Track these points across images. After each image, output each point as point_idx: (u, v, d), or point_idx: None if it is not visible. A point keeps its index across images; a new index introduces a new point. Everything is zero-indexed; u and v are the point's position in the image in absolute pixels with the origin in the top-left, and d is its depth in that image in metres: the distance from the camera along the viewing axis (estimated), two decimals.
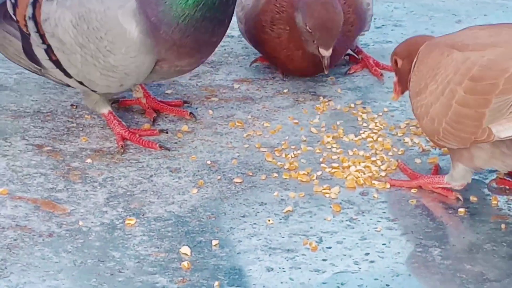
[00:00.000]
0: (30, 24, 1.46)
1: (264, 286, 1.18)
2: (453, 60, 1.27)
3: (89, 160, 1.41)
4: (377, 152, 1.43)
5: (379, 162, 1.40)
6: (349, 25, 1.56)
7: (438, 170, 1.40)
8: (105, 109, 1.50)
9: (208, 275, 1.20)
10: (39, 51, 1.46)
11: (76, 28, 1.43)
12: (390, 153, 1.43)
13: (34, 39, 1.46)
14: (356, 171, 1.38)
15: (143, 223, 1.29)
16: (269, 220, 1.29)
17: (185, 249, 1.24)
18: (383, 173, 1.38)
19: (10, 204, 1.32)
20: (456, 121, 1.26)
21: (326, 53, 1.49)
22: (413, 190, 1.35)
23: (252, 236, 1.27)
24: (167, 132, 1.48)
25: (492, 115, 1.23)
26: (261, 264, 1.22)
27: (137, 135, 1.46)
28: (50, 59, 1.45)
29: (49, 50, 1.46)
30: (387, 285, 1.18)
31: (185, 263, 1.21)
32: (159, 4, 1.35)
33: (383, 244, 1.25)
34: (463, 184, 1.32)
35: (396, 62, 1.39)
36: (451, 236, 1.27)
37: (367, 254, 1.23)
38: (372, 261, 1.22)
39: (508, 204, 1.34)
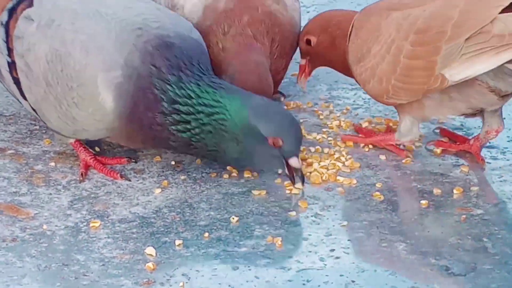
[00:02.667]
0: (1, 31, 1.39)
1: (229, 285, 1.18)
2: (393, 19, 1.34)
3: (52, 163, 1.40)
4: (341, 149, 1.44)
5: (343, 159, 1.41)
6: (281, 70, 1.48)
7: (390, 130, 1.45)
8: (71, 138, 1.41)
9: (174, 275, 1.20)
10: (2, 61, 1.39)
11: (49, 64, 1.34)
12: (354, 150, 1.44)
13: (1, 46, 1.39)
14: (321, 167, 1.39)
15: (107, 225, 1.28)
16: (233, 219, 1.29)
17: (150, 250, 1.23)
18: (347, 170, 1.39)
19: None
20: (406, 74, 1.32)
21: None
22: (377, 185, 1.36)
23: (217, 235, 1.28)
24: (135, 162, 1.41)
25: (443, 61, 1.29)
26: (226, 262, 1.23)
27: (101, 164, 1.39)
28: (11, 73, 1.38)
29: (12, 66, 1.38)
30: (353, 281, 1.18)
31: (150, 264, 1.21)
32: (160, 107, 1.29)
33: (348, 240, 1.26)
34: (412, 140, 1.39)
35: (308, 41, 1.44)
36: (415, 230, 1.28)
37: (333, 250, 1.24)
38: (337, 257, 1.23)
39: (472, 196, 1.35)
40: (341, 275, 1.19)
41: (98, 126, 1.32)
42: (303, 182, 1.31)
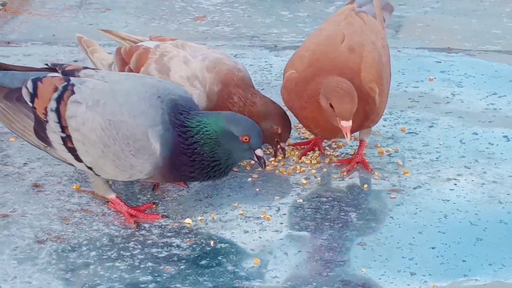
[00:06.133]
0: (52, 115, 1.69)
1: (242, 242, 1.75)
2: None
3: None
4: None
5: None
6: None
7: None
8: (113, 194, 1.77)
9: (206, 237, 1.77)
10: (54, 136, 1.71)
11: (104, 131, 1.67)
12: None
13: (52, 127, 1.70)
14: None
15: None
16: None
17: (188, 220, 1.81)
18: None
19: (77, 195, 1.91)
20: None
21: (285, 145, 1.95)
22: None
23: (234, 209, 1.84)
24: (156, 204, 1.82)
25: None
26: (240, 228, 1.80)
27: (141, 212, 1.77)
28: (65, 145, 1.70)
29: (67, 139, 1.70)
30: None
31: (189, 230, 1.77)
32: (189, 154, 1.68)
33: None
34: None
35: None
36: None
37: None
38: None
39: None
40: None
41: (151, 168, 1.69)
42: (264, 166, 1.73)
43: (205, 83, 1.93)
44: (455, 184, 1.98)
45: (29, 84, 1.74)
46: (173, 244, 1.75)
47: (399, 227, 1.82)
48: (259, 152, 1.73)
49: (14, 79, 1.77)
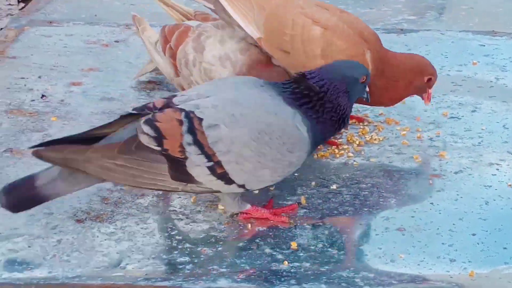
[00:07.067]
0: (191, 149, 1.61)
1: (279, 226, 1.76)
2: None
3: None
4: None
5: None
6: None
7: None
8: (248, 204, 1.73)
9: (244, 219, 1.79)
10: (198, 170, 1.63)
11: (256, 141, 1.62)
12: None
13: (194, 161, 1.61)
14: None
15: None
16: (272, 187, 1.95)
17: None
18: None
19: None
20: None
21: None
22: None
23: (271, 193, 1.88)
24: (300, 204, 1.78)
25: None
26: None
27: (276, 215, 1.74)
28: (213, 173, 1.64)
29: (215, 166, 1.63)
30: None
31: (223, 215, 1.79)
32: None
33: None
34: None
35: (430, 79, 1.98)
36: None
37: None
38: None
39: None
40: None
41: (305, 155, 1.70)
42: (369, 99, 1.80)
43: (236, 64, 1.93)
44: (497, 170, 1.97)
45: (147, 129, 1.63)
46: (211, 226, 1.77)
47: (439, 213, 1.82)
48: (367, 88, 1.79)
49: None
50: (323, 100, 1.70)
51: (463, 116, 2.16)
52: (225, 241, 1.73)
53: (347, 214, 1.82)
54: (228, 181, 1.65)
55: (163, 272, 1.65)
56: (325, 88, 1.70)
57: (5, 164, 1.97)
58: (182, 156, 1.62)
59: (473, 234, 1.77)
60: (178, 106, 1.66)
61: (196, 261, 1.68)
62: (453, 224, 1.80)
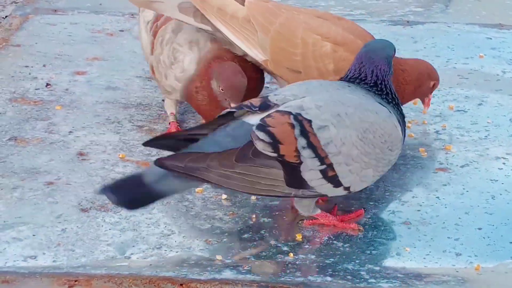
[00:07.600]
0: (306, 153, 1.60)
1: (284, 217, 1.77)
2: None
3: None
4: None
5: None
6: None
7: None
8: (318, 209, 1.70)
9: (249, 211, 1.79)
10: (311, 174, 1.61)
11: (363, 140, 1.62)
12: None
13: (309, 165, 1.60)
14: None
15: None
16: None
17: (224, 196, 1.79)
18: None
19: (122, 164, 1.95)
20: None
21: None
22: None
23: None
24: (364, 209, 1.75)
25: None
26: (282, 203, 1.81)
27: (342, 222, 1.71)
28: (325, 176, 1.62)
29: (327, 169, 1.61)
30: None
31: (232, 203, 1.80)
32: None
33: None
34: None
35: (434, 84, 1.99)
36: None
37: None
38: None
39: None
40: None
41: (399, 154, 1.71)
42: None
43: (202, 51, 1.93)
44: (504, 163, 1.96)
45: (262, 135, 1.61)
46: (216, 217, 1.77)
47: (445, 207, 1.82)
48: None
49: (210, 143, 1.64)
50: (390, 89, 1.72)
51: (469, 109, 2.16)
52: (230, 232, 1.73)
53: (352, 208, 1.81)
54: (337, 183, 1.64)
55: (167, 262, 1.65)
56: (381, 77, 1.72)
57: (9, 153, 1.96)
58: (297, 161, 1.61)
59: (479, 228, 1.76)
60: (282, 109, 1.64)
61: (201, 252, 1.68)
62: (459, 218, 1.79)
